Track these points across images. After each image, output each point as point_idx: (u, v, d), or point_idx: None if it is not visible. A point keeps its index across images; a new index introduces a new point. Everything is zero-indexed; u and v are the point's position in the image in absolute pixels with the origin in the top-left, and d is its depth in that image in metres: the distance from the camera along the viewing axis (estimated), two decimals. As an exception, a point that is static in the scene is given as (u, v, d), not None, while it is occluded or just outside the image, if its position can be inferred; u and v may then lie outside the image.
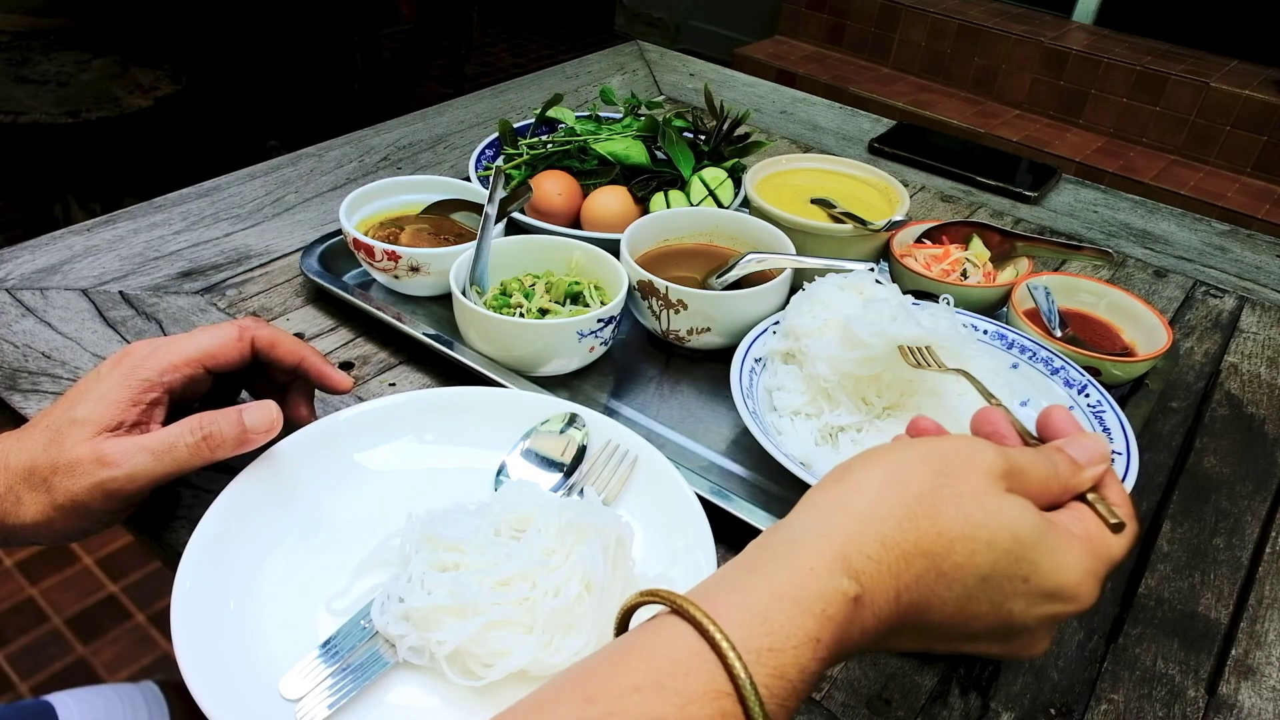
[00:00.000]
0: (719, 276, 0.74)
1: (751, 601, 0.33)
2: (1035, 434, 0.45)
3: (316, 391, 0.63)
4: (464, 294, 0.69)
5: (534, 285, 0.74)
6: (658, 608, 0.34)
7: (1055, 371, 0.68)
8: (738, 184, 0.89)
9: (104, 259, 0.82)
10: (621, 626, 0.37)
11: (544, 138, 0.94)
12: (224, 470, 0.55)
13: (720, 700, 0.30)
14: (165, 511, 0.58)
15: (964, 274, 0.82)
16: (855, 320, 0.62)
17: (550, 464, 0.59)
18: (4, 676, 1.42)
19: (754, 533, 0.54)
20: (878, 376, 0.63)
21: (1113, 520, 0.39)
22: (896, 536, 0.35)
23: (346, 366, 0.72)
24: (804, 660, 0.32)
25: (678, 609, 0.32)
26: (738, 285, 0.74)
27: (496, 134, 0.95)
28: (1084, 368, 0.68)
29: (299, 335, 0.75)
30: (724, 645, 0.31)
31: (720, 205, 0.86)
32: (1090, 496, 0.40)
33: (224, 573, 0.50)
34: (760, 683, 0.31)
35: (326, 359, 0.58)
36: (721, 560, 0.51)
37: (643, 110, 0.97)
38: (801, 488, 0.52)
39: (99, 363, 0.54)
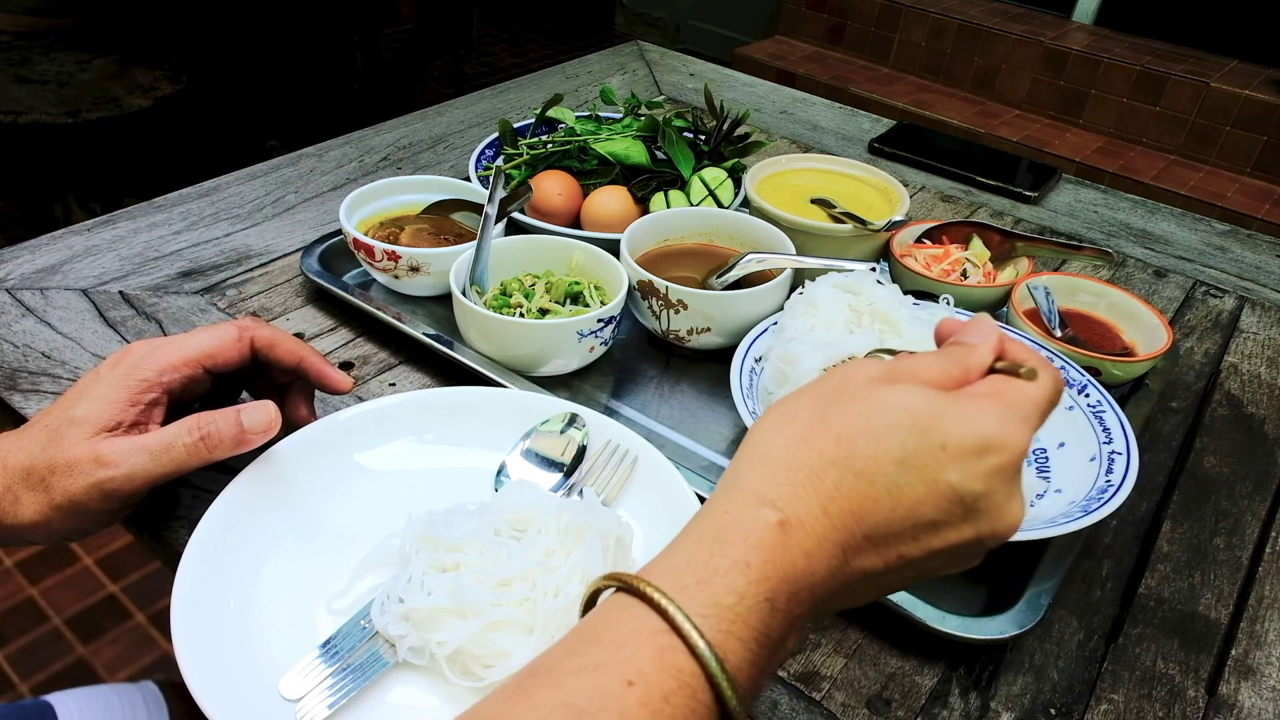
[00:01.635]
0: (719, 276, 0.74)
1: (677, 554, 0.34)
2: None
3: (316, 391, 0.63)
4: (464, 294, 0.69)
5: (534, 285, 0.74)
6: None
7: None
8: (738, 184, 0.89)
9: (104, 259, 0.82)
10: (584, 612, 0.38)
11: (544, 138, 0.93)
12: (224, 470, 0.55)
13: (656, 636, 0.30)
14: (165, 511, 0.58)
15: (964, 274, 0.82)
16: (794, 341, 0.62)
17: (550, 464, 0.59)
18: (4, 676, 1.42)
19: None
20: None
21: (1021, 370, 0.39)
22: (799, 458, 0.36)
23: (346, 366, 0.72)
24: (737, 584, 0.32)
25: (619, 584, 0.33)
26: (738, 285, 0.74)
27: (496, 134, 0.95)
28: (1084, 368, 0.68)
29: (299, 335, 0.75)
30: (648, 590, 0.31)
31: (720, 205, 0.86)
32: (996, 365, 0.40)
33: (224, 573, 0.50)
34: (694, 612, 0.31)
35: (326, 359, 0.58)
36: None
37: (643, 110, 0.97)
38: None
39: (99, 363, 0.54)
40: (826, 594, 0.35)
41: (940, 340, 0.43)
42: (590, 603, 0.36)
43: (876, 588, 0.38)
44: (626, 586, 0.32)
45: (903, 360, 0.39)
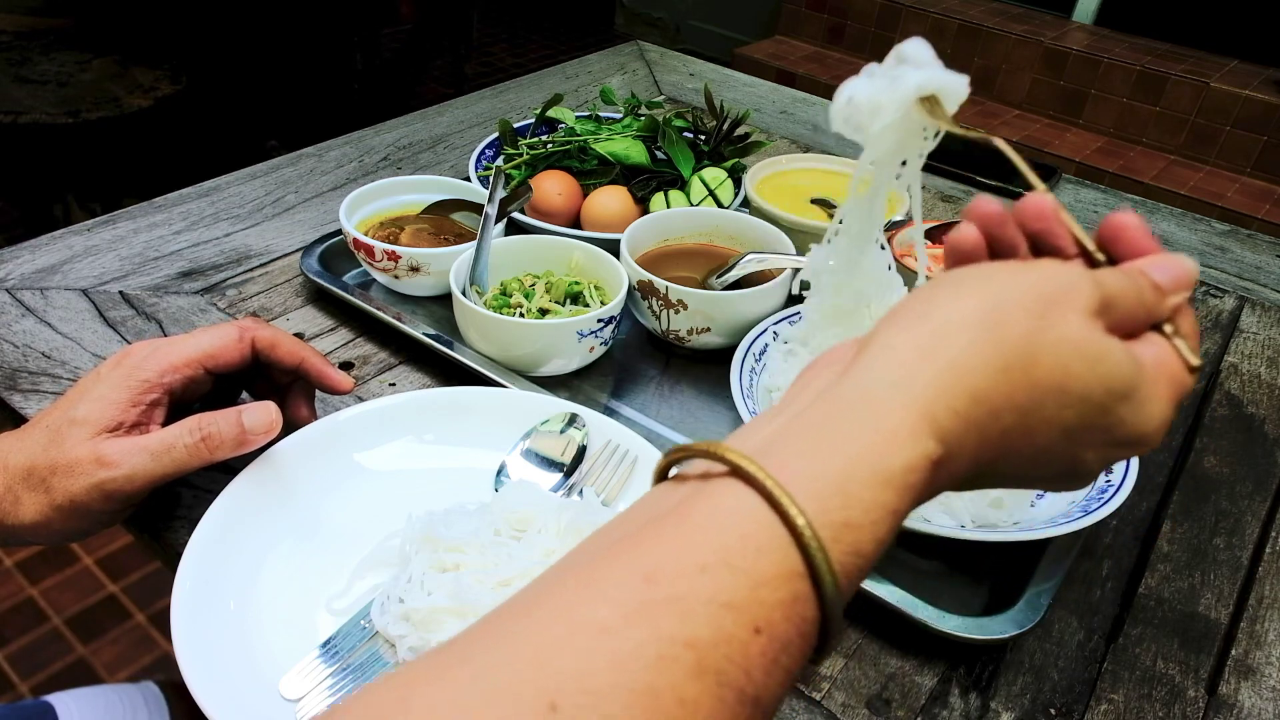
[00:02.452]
0: (719, 276, 0.74)
1: (825, 469, 0.28)
2: (1095, 247, 0.37)
3: (317, 391, 0.63)
4: (464, 294, 0.69)
5: (534, 285, 0.74)
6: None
7: (1055, 371, 0.68)
8: (738, 184, 0.89)
9: (104, 259, 0.82)
10: (662, 475, 0.32)
11: (544, 138, 0.93)
12: (224, 470, 0.55)
13: (793, 582, 0.27)
14: (165, 511, 0.58)
15: (964, 274, 0.82)
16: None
17: (550, 464, 0.59)
18: (4, 676, 1.42)
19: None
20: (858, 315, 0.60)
21: (1193, 363, 0.36)
22: (988, 390, 0.31)
23: (346, 366, 0.72)
24: (881, 535, 0.28)
25: (741, 472, 0.28)
26: (738, 285, 0.74)
27: (496, 134, 0.95)
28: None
29: (299, 335, 0.75)
30: (800, 523, 0.27)
31: (720, 205, 0.86)
32: (1167, 329, 0.36)
33: (224, 573, 0.50)
34: (835, 560, 0.27)
35: (327, 359, 0.58)
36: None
37: (643, 110, 0.97)
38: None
39: (99, 363, 0.54)
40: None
41: (1114, 246, 0.37)
42: (670, 464, 0.31)
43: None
44: (766, 494, 0.27)
45: (1109, 291, 0.34)
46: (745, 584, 0.26)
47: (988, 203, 0.37)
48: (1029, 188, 0.39)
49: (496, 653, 0.25)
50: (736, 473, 0.28)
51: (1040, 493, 0.61)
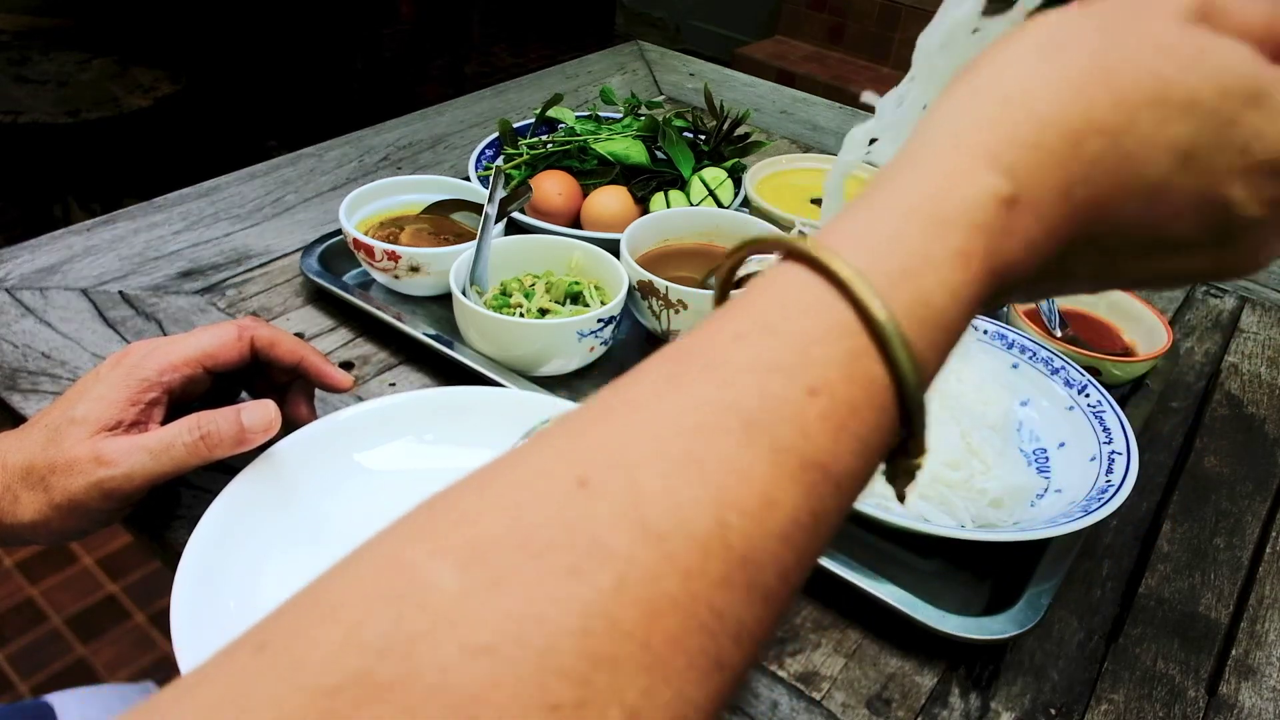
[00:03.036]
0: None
1: (876, 223, 0.25)
2: None
3: (317, 391, 0.63)
4: (464, 294, 0.69)
5: (534, 285, 0.74)
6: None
7: (1055, 371, 0.68)
8: (738, 184, 0.89)
9: (104, 259, 0.82)
10: (723, 295, 0.29)
11: (544, 138, 0.93)
12: (224, 470, 0.55)
13: (849, 339, 0.23)
14: (165, 511, 0.58)
15: (964, 274, 0.82)
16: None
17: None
18: (4, 677, 1.42)
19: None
20: None
21: None
22: (1058, 112, 0.26)
23: (346, 366, 0.72)
24: (952, 281, 0.25)
25: (789, 250, 0.25)
26: (738, 285, 0.74)
27: (496, 134, 0.95)
28: (1084, 368, 0.68)
29: (299, 335, 0.75)
30: (845, 273, 0.24)
31: (720, 205, 0.86)
32: None
33: (224, 573, 0.50)
34: (900, 313, 0.24)
35: (326, 358, 0.58)
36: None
37: (643, 110, 0.97)
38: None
39: (99, 363, 0.54)
40: (1016, 293, 0.29)
41: None
42: (731, 269, 0.29)
43: (1059, 291, 0.32)
44: (810, 259, 0.24)
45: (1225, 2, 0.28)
46: (791, 345, 0.23)
47: None
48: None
49: (530, 448, 0.23)
50: (786, 255, 0.26)
51: (1040, 492, 0.61)
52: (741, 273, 0.33)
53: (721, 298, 0.29)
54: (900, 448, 0.25)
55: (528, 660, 0.18)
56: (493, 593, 0.19)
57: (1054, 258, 0.28)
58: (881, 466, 0.26)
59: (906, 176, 0.26)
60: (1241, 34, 0.28)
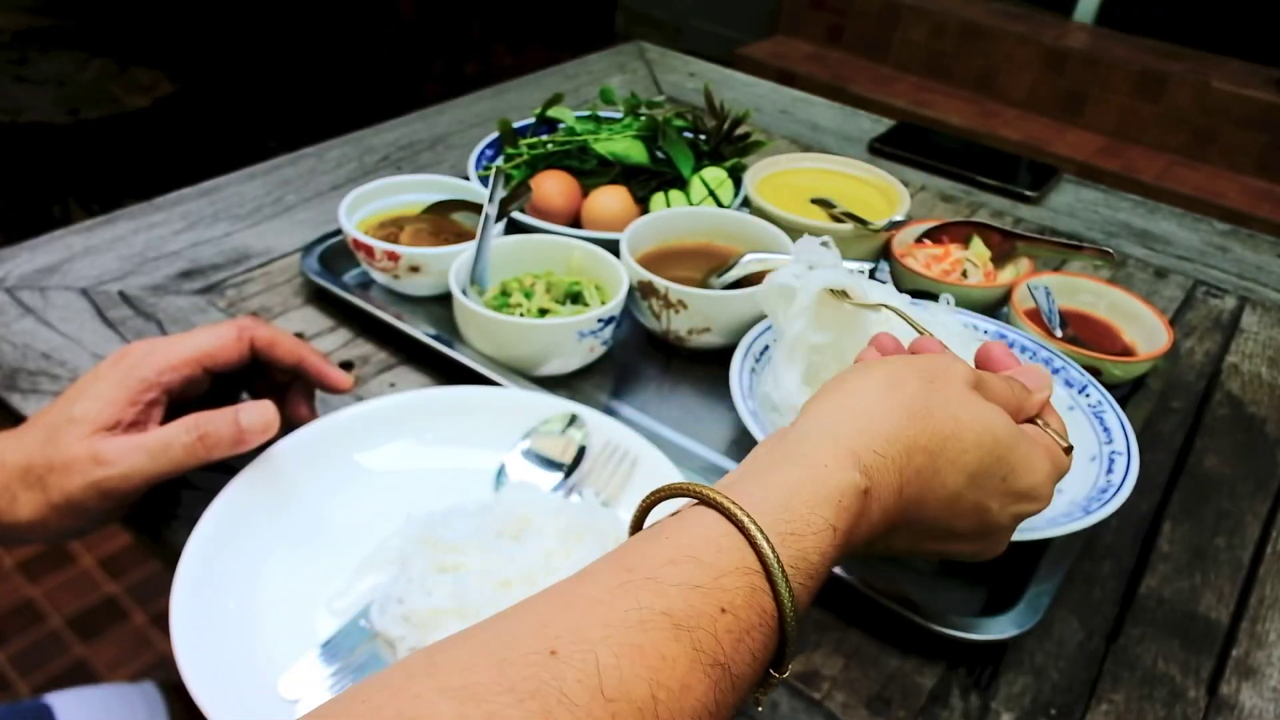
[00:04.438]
0: (719, 276, 0.74)
1: (773, 493, 0.35)
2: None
3: (317, 392, 0.63)
4: (464, 294, 0.69)
5: (534, 285, 0.74)
6: (677, 505, 0.36)
7: (1056, 371, 0.68)
8: (738, 184, 0.89)
9: (104, 259, 0.82)
10: (637, 526, 0.38)
11: (544, 138, 0.93)
12: (224, 470, 0.55)
13: (750, 576, 0.32)
14: (165, 511, 0.58)
15: (964, 274, 0.82)
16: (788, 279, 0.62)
17: (550, 464, 0.59)
18: (3, 677, 1.42)
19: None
20: (839, 348, 0.62)
21: (1064, 444, 0.45)
22: (898, 433, 0.38)
23: (346, 366, 0.72)
24: (823, 546, 0.34)
25: (704, 499, 0.34)
26: (738, 285, 0.74)
27: (496, 134, 0.95)
28: (1084, 368, 0.68)
29: (299, 335, 0.75)
30: (752, 528, 0.32)
31: (720, 205, 0.86)
32: (1039, 422, 0.46)
33: (224, 573, 0.50)
34: (786, 563, 0.33)
35: (327, 358, 0.58)
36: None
37: (643, 110, 0.97)
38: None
39: (98, 362, 0.54)
40: (851, 555, 0.39)
41: (985, 365, 0.48)
42: (648, 507, 0.37)
43: (877, 554, 0.43)
44: (726, 512, 0.33)
45: (983, 377, 0.44)
46: (709, 573, 0.31)
47: (885, 338, 0.48)
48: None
49: (505, 619, 0.30)
50: (701, 501, 0.34)
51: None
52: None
53: (637, 526, 0.38)
54: (773, 663, 0.34)
55: None
56: None
57: (882, 534, 0.39)
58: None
59: (795, 461, 0.36)
60: (998, 402, 0.43)
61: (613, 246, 0.75)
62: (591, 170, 0.88)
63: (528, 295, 0.73)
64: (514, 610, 0.31)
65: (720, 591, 0.31)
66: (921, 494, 0.39)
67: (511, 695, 0.26)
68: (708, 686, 0.29)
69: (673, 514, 0.35)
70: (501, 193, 0.76)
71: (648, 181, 0.87)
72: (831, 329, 0.61)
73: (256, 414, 0.52)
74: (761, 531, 0.32)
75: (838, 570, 0.54)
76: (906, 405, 0.39)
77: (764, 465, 0.37)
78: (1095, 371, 0.69)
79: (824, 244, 0.63)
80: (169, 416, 0.52)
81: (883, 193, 0.91)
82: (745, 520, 0.33)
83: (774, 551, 0.32)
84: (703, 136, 0.93)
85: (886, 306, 0.57)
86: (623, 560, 0.32)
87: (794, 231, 0.80)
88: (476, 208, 0.83)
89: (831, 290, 0.59)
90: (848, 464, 0.36)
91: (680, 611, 0.30)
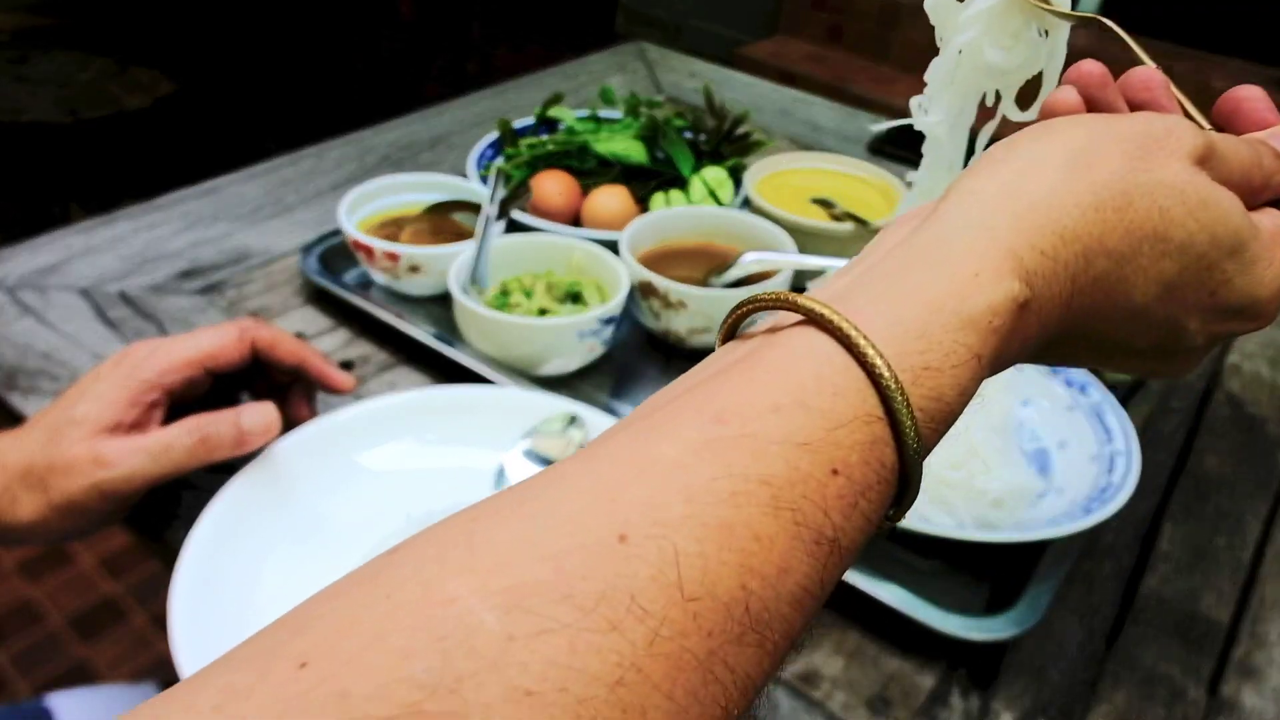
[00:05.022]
0: (719, 276, 0.74)
1: (904, 313, 0.26)
2: (1209, 121, 0.36)
3: (317, 392, 0.63)
4: (464, 294, 0.69)
5: (534, 285, 0.74)
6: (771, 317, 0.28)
7: (1056, 371, 0.68)
8: (738, 184, 0.89)
9: (104, 259, 0.82)
10: (730, 334, 0.30)
11: (544, 138, 0.93)
12: (224, 470, 0.55)
13: (872, 426, 0.25)
14: (165, 511, 0.58)
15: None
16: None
17: (550, 464, 0.59)
18: (3, 677, 1.42)
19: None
20: (1017, 79, 0.52)
21: None
22: (1079, 229, 0.29)
23: (346, 366, 0.72)
24: (963, 380, 0.27)
25: (816, 318, 0.26)
26: (738, 285, 0.74)
27: (496, 134, 0.95)
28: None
29: (299, 335, 0.75)
30: (878, 364, 0.25)
31: (720, 205, 0.86)
32: None
33: (224, 573, 0.50)
34: (916, 406, 0.26)
35: (328, 359, 0.58)
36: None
37: (643, 110, 0.97)
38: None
39: (98, 363, 0.54)
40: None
41: (1229, 117, 0.37)
42: (741, 317, 0.29)
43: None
44: (844, 340, 0.26)
45: (1217, 145, 0.32)
46: (821, 424, 0.25)
47: (1089, 64, 0.35)
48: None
49: (561, 489, 0.23)
50: (810, 320, 0.26)
51: (1041, 492, 0.61)
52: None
53: (728, 337, 0.30)
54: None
55: (567, 706, 0.19)
56: (537, 641, 0.20)
57: (1039, 350, 0.31)
58: None
59: (937, 268, 0.28)
60: (1234, 177, 0.32)
61: (613, 246, 0.75)
62: (591, 170, 0.88)
63: (528, 295, 0.73)
64: (571, 472, 0.24)
65: (833, 449, 0.24)
66: (1096, 307, 0.30)
67: (570, 603, 0.20)
68: (811, 566, 0.24)
69: (767, 330, 0.28)
70: (501, 193, 0.76)
71: (648, 181, 0.87)
72: (1017, 48, 0.45)
73: (258, 416, 0.52)
74: (889, 367, 0.25)
75: (838, 570, 0.54)
76: (1097, 191, 0.29)
77: (890, 270, 0.28)
78: (1096, 371, 0.69)
79: None
80: (170, 417, 0.52)
81: (882, 193, 0.91)
82: (871, 354, 0.25)
83: (904, 395, 0.25)
84: (703, 136, 0.93)
85: (1102, 23, 0.42)
86: (710, 402, 0.25)
87: (794, 231, 0.80)
88: (476, 208, 0.83)
89: None
90: (1006, 270, 0.27)
91: (782, 478, 0.23)
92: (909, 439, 0.25)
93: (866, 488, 0.25)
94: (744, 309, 0.29)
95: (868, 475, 0.25)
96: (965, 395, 0.27)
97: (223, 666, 0.20)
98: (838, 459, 0.24)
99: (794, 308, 0.27)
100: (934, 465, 0.59)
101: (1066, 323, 0.30)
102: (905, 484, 0.26)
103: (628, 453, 0.24)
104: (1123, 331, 0.32)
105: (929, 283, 0.27)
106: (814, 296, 0.27)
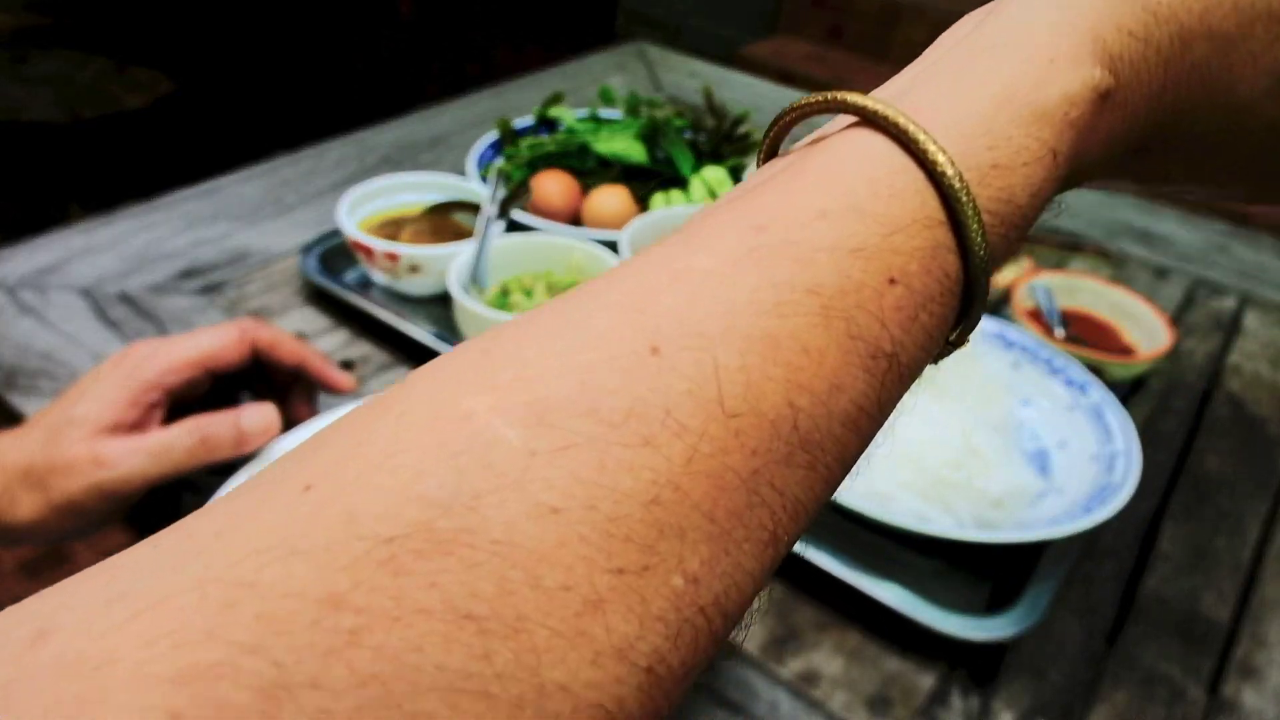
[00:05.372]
0: (719, 276, 0.74)
1: (970, 106, 0.23)
2: None
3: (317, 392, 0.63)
4: (464, 294, 0.69)
5: (534, 285, 0.74)
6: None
7: (1056, 371, 0.68)
8: (738, 183, 0.89)
9: (104, 258, 0.82)
10: (772, 151, 0.27)
11: (544, 138, 0.93)
12: (224, 470, 0.55)
13: (933, 230, 0.22)
14: (165, 512, 0.58)
15: (964, 274, 0.81)
16: None
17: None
18: (4, 677, 1.42)
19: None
20: None
21: None
22: (1175, 4, 0.24)
23: (347, 366, 0.72)
24: (1036, 180, 0.23)
25: (868, 115, 0.23)
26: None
27: (496, 134, 0.95)
28: (1086, 367, 0.68)
29: (299, 335, 0.75)
30: (940, 160, 0.22)
31: (720, 205, 0.86)
32: None
33: (223, 573, 0.50)
34: (983, 208, 0.22)
35: (328, 359, 0.58)
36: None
37: (643, 110, 0.97)
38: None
39: (98, 363, 0.54)
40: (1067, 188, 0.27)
41: None
42: (788, 123, 0.26)
43: (1100, 181, 0.30)
44: (903, 137, 0.22)
45: None
46: (876, 230, 0.22)
47: None
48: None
49: (585, 304, 0.21)
50: (864, 120, 0.23)
51: (1042, 492, 0.61)
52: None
53: (770, 155, 0.27)
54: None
55: (596, 524, 0.18)
56: (562, 456, 0.18)
57: (1124, 156, 0.26)
58: None
59: (1005, 53, 0.24)
60: None
61: (613, 246, 0.75)
62: (591, 170, 0.88)
63: (528, 295, 0.73)
64: (597, 288, 0.21)
65: (890, 255, 0.22)
66: (1194, 101, 0.25)
67: (596, 418, 0.19)
68: (867, 384, 0.21)
69: (815, 139, 0.24)
70: (501, 193, 0.76)
71: (648, 181, 0.87)
72: None
73: (258, 416, 0.52)
74: (952, 163, 0.22)
75: (837, 570, 0.54)
76: None
77: (953, 64, 0.25)
78: (1096, 371, 0.69)
79: None
80: (170, 417, 0.52)
81: (883, 192, 0.91)
82: (932, 149, 0.22)
83: (969, 195, 0.22)
84: (703, 136, 0.93)
85: None
86: (748, 212, 0.22)
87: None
88: (476, 208, 0.83)
89: None
90: (1085, 54, 0.24)
91: (832, 287, 0.21)
92: (975, 245, 0.22)
93: (928, 299, 0.22)
94: (786, 118, 0.25)
95: (929, 285, 0.22)
96: (1039, 198, 0.24)
97: (228, 499, 0.18)
98: (895, 266, 0.22)
99: (844, 107, 0.24)
100: (934, 465, 0.59)
101: (1156, 122, 0.26)
102: (970, 300, 0.23)
103: (659, 265, 0.22)
104: (1220, 133, 0.27)
105: (996, 73, 0.24)
106: (868, 95, 0.24)
